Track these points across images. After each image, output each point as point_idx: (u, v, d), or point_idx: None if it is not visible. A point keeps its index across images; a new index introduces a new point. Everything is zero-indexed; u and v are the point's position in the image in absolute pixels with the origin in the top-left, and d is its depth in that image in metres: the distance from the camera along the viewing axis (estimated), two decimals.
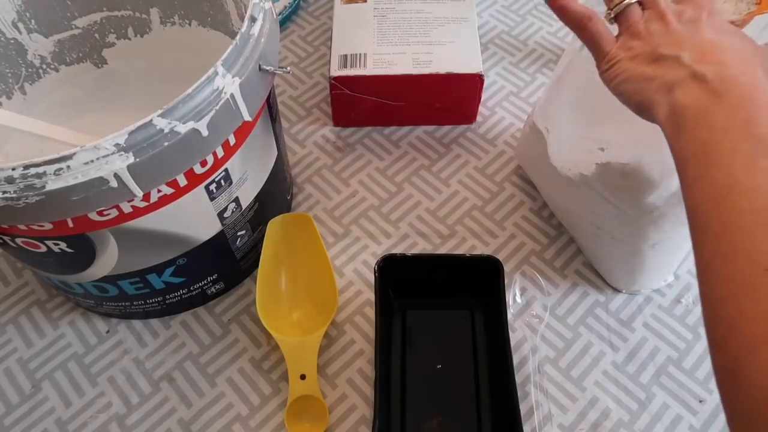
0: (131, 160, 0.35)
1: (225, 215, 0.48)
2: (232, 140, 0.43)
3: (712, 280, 0.31)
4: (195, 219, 0.46)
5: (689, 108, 0.34)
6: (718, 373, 0.30)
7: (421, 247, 0.58)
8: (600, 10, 0.40)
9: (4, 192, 0.34)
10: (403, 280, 0.51)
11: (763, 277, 0.28)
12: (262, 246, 0.52)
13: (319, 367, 0.51)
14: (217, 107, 0.38)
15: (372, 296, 0.54)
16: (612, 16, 0.39)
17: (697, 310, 0.54)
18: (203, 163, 0.41)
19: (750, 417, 0.28)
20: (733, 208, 0.30)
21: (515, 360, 0.50)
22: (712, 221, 0.31)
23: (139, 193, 0.37)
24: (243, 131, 0.44)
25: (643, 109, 0.37)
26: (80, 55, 0.59)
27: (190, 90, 0.37)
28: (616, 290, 0.55)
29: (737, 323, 0.29)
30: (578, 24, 0.40)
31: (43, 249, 0.42)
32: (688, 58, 0.35)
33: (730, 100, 0.33)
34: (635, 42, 0.38)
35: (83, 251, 0.43)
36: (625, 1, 0.39)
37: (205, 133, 0.38)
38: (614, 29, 0.40)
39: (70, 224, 0.40)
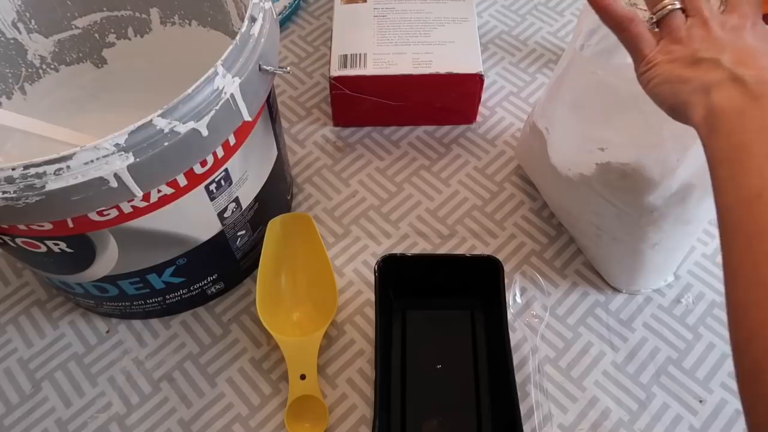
0: (131, 160, 0.35)
1: (225, 215, 0.48)
2: (232, 140, 0.43)
3: (739, 284, 0.31)
4: (195, 219, 0.46)
5: (725, 110, 0.34)
6: (739, 376, 0.30)
7: (421, 247, 0.58)
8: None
9: (4, 192, 0.34)
10: (403, 280, 0.51)
11: None
12: (262, 246, 0.52)
13: (319, 367, 0.51)
14: (217, 107, 0.38)
15: (372, 296, 0.54)
16: (654, 20, 0.39)
17: (698, 310, 0.53)
18: (203, 163, 0.41)
19: None
20: (763, 211, 0.30)
21: (515, 360, 0.50)
22: (741, 224, 0.31)
23: (139, 193, 0.37)
24: (243, 131, 0.44)
25: (678, 110, 0.37)
26: (80, 55, 0.59)
27: (190, 90, 0.37)
28: (616, 290, 0.55)
29: (762, 328, 0.29)
30: (620, 25, 0.40)
31: (43, 249, 0.42)
32: (727, 61, 0.35)
33: (767, 103, 0.33)
34: (675, 46, 0.37)
35: (83, 251, 0.43)
36: (668, 7, 0.38)
37: (205, 133, 0.38)
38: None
39: (70, 224, 0.40)
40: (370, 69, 0.60)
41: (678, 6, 0.39)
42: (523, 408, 0.48)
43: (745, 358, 0.30)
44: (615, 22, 0.40)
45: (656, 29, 0.40)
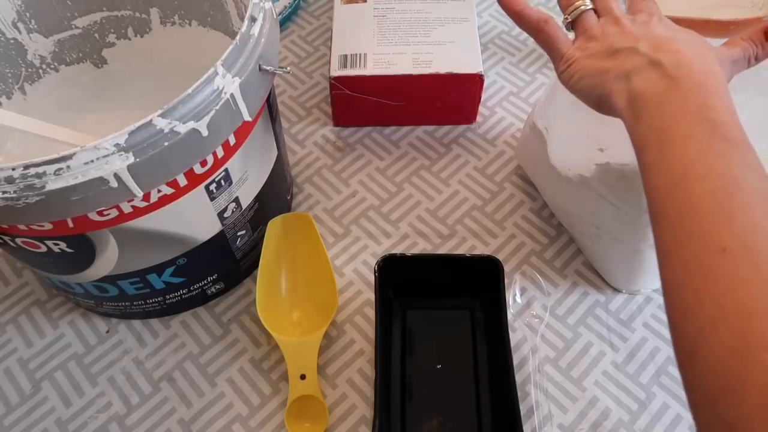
0: (131, 160, 0.35)
1: (225, 215, 0.48)
2: (232, 140, 0.43)
3: (670, 265, 0.31)
4: (195, 219, 0.46)
5: (646, 95, 0.35)
6: (677, 355, 0.31)
7: (421, 247, 0.58)
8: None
9: (4, 192, 0.34)
10: (403, 280, 0.51)
11: (717, 258, 0.29)
12: (262, 246, 0.52)
13: (319, 367, 0.51)
14: (217, 107, 0.38)
15: (372, 296, 0.54)
16: (569, 20, 0.41)
17: None
18: (203, 163, 0.41)
19: (706, 399, 0.28)
20: (688, 192, 0.31)
21: (515, 360, 0.50)
22: (668, 206, 0.32)
23: (139, 193, 0.37)
24: (243, 131, 0.44)
25: (602, 101, 0.38)
26: (80, 55, 0.59)
27: (190, 90, 0.37)
28: (616, 290, 0.55)
29: (693, 306, 0.29)
30: (535, 27, 0.42)
31: (43, 249, 0.42)
32: (644, 47, 0.36)
33: (686, 86, 0.34)
34: (592, 43, 0.39)
35: (83, 251, 0.43)
36: (581, 7, 0.40)
37: (205, 133, 0.38)
38: (571, 36, 0.42)
39: (70, 224, 0.40)
40: (370, 69, 0.60)
41: (590, 6, 0.40)
42: (523, 408, 0.48)
43: (681, 338, 0.30)
44: (530, 25, 0.42)
45: (571, 30, 0.41)
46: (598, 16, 0.40)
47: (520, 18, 0.42)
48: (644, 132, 0.34)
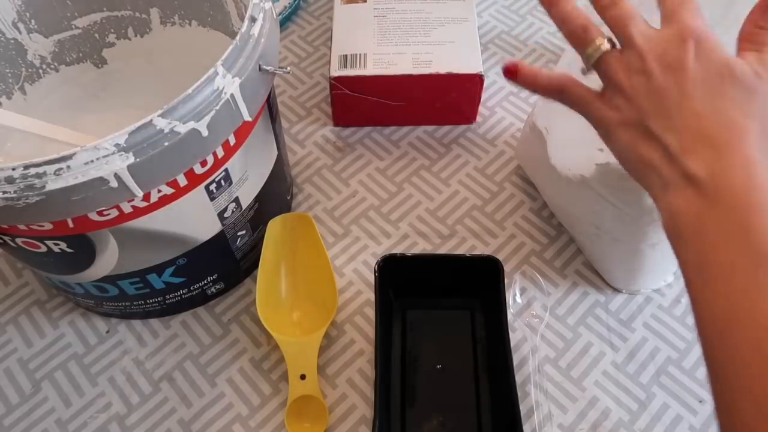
0: (131, 160, 0.35)
1: (225, 215, 0.48)
2: (232, 140, 0.43)
3: (724, 419, 0.30)
4: (195, 219, 0.46)
5: (684, 215, 0.33)
6: None
7: (421, 247, 0.58)
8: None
9: (4, 192, 0.34)
10: (403, 280, 0.51)
11: None
12: (262, 246, 0.52)
13: (319, 367, 0.51)
14: (217, 107, 0.38)
15: (372, 296, 0.54)
16: (591, 64, 0.37)
17: None
18: (203, 163, 0.41)
19: None
20: (735, 342, 0.30)
21: (515, 360, 0.50)
22: (717, 353, 0.31)
23: (139, 193, 0.37)
24: (243, 131, 0.44)
25: (647, 192, 0.36)
26: (80, 55, 0.59)
27: (190, 90, 0.37)
28: (616, 290, 0.55)
29: None
30: (558, 92, 0.39)
31: (43, 249, 0.42)
32: (675, 147, 0.33)
33: (725, 205, 0.31)
34: (620, 101, 0.36)
35: (83, 251, 0.43)
36: (599, 50, 0.36)
37: (205, 133, 0.38)
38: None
39: (70, 224, 0.40)
40: (370, 69, 0.59)
41: (607, 47, 0.36)
42: (523, 408, 0.48)
43: None
44: (551, 91, 0.39)
45: (591, 70, 0.38)
46: (620, 46, 0.36)
47: (538, 87, 0.40)
48: (687, 258, 0.33)
